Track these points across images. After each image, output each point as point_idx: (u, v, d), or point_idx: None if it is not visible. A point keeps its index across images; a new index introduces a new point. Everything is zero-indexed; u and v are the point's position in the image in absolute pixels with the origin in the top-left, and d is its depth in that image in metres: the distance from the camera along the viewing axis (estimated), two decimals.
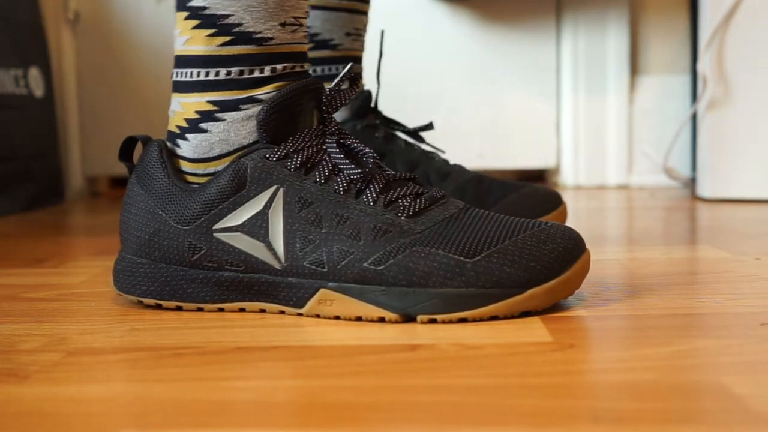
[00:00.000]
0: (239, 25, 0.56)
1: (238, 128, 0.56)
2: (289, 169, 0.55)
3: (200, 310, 0.57)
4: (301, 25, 0.58)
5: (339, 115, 0.83)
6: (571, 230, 0.56)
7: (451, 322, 0.52)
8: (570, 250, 0.54)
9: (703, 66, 1.20)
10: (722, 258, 0.74)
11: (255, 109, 0.56)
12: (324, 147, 0.56)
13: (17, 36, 1.32)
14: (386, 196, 0.55)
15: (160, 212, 0.57)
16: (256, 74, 0.56)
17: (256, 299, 0.56)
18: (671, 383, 0.41)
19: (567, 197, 1.30)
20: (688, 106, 1.43)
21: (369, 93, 0.86)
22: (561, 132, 1.51)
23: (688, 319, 0.53)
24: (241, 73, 0.56)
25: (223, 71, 0.56)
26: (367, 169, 0.55)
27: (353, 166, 0.55)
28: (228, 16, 0.56)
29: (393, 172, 0.57)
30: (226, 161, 0.57)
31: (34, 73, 1.36)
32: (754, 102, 1.18)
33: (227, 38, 0.56)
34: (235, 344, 0.50)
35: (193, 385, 0.43)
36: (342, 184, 0.55)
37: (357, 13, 0.87)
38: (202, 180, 0.57)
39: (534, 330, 0.51)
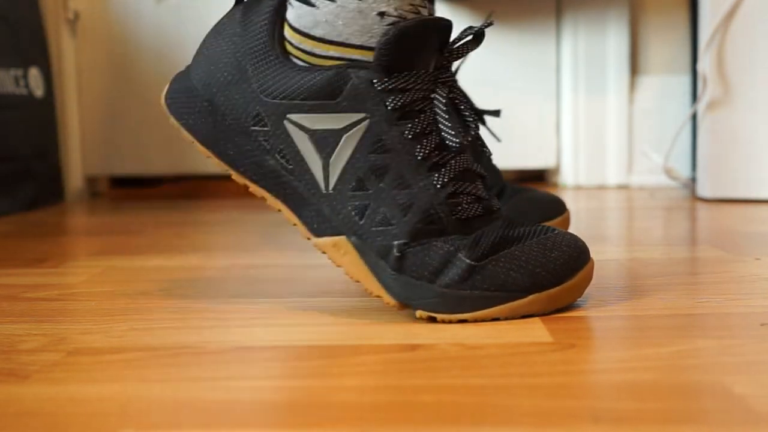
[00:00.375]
0: None
1: (347, 19, 0.53)
2: (387, 106, 0.52)
3: (228, 178, 0.56)
4: None
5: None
6: (577, 239, 0.56)
7: (450, 322, 0.52)
8: (575, 259, 0.54)
9: (703, 66, 1.20)
10: (722, 258, 0.74)
11: (370, 6, 0.52)
12: (432, 96, 0.53)
13: (17, 36, 1.32)
14: (455, 186, 0.53)
15: (249, 68, 0.54)
16: None
17: (283, 200, 0.55)
18: (671, 383, 0.41)
19: (567, 197, 1.30)
20: (688, 106, 1.43)
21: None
22: (561, 132, 1.51)
23: (688, 319, 0.53)
24: None
25: None
26: (459, 143, 0.52)
27: (452, 132, 0.52)
28: None
29: (473, 159, 0.55)
30: (329, 48, 0.53)
31: (34, 73, 1.36)
32: (754, 102, 1.18)
33: None
34: (235, 344, 0.50)
35: (193, 385, 0.43)
36: (425, 149, 0.52)
37: None
38: (302, 55, 0.54)
39: (534, 330, 0.51)
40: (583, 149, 1.49)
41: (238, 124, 0.55)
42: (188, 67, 0.58)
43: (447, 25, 0.54)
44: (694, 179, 1.33)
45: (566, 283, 0.54)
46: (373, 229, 0.52)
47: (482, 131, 0.85)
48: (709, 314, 0.54)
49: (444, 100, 0.53)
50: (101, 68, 1.52)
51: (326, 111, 0.53)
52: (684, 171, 1.42)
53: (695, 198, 1.25)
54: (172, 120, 0.57)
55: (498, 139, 0.85)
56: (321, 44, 0.54)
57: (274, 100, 0.54)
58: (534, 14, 1.48)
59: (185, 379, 0.44)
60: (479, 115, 0.85)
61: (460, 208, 0.53)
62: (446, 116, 0.53)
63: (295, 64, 0.54)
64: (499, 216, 0.55)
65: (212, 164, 0.57)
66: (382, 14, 0.53)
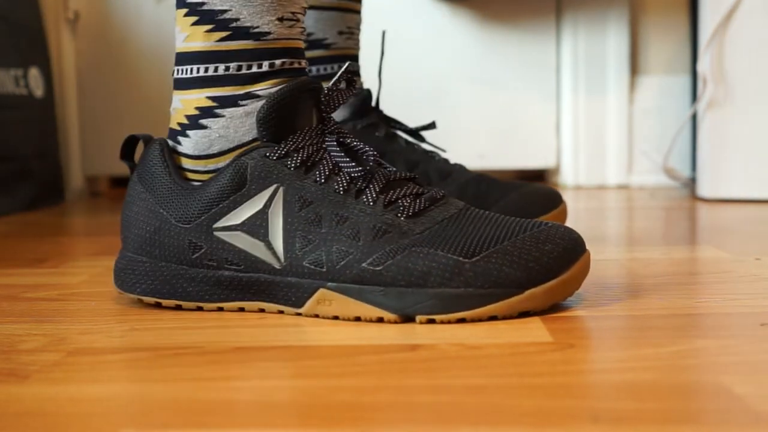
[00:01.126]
0: (237, 20, 0.56)
1: (237, 125, 0.56)
2: (289, 168, 0.55)
3: (200, 309, 0.58)
4: (298, 20, 0.58)
5: (339, 114, 0.83)
6: (571, 231, 0.56)
7: (450, 322, 0.52)
8: (570, 251, 0.54)
9: (703, 66, 1.20)
10: (722, 258, 0.74)
11: (254, 105, 0.56)
12: (324, 146, 0.56)
13: (17, 36, 1.32)
14: (386, 196, 0.54)
15: (161, 210, 0.57)
16: (255, 69, 0.56)
17: (255, 299, 0.56)
18: (671, 383, 0.41)
19: (567, 197, 1.30)
20: (688, 106, 1.43)
21: (369, 92, 0.86)
22: (561, 132, 1.51)
23: (688, 319, 0.53)
24: (239, 68, 0.56)
25: (221, 66, 0.56)
26: (368, 168, 0.55)
27: (354, 164, 0.55)
28: (226, 11, 0.56)
29: (393, 170, 0.57)
30: (226, 158, 0.57)
31: (34, 73, 1.36)
32: (754, 102, 1.18)
33: (225, 33, 0.56)
34: (235, 344, 0.50)
35: (193, 385, 0.43)
36: (342, 183, 0.55)
37: (349, 12, 0.87)
38: (204, 177, 0.58)
39: (534, 330, 0.51)
40: (583, 149, 1.49)
41: (181, 262, 0.57)
42: (121, 251, 0.60)
43: (308, 84, 0.56)
44: (694, 179, 1.33)
45: (562, 276, 0.53)
46: (338, 267, 0.53)
47: (431, 143, 0.88)
48: (709, 314, 0.54)
49: (336, 146, 0.55)
50: (101, 68, 1.52)
51: (243, 202, 0.55)
52: (684, 171, 1.42)
53: (695, 198, 1.25)
54: (130, 296, 0.59)
55: (443, 150, 0.87)
56: (219, 158, 0.57)
57: (196, 222, 0.56)
58: (534, 14, 1.48)
59: (185, 379, 0.44)
60: (414, 133, 0.87)
61: (402, 208, 0.54)
62: (344, 156, 0.55)
63: (200, 182, 0.57)
64: (447, 200, 0.56)
65: None
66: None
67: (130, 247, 0.59)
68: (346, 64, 0.58)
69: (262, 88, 0.56)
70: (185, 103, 0.58)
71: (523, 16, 1.48)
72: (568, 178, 1.50)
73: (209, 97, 0.57)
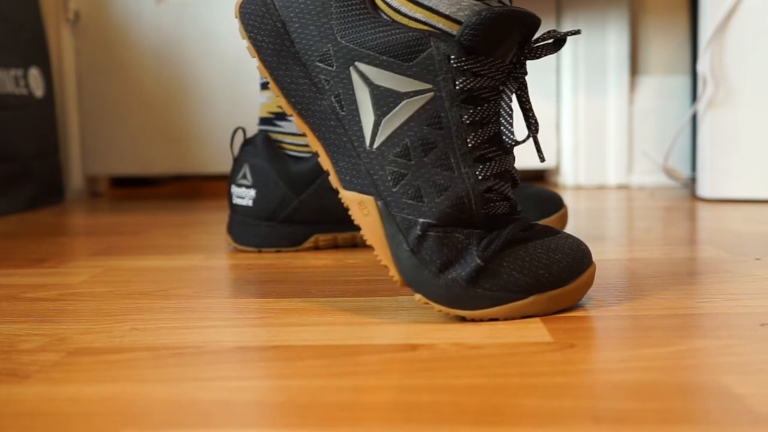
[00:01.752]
0: None
1: None
2: (456, 86, 0.52)
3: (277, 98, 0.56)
4: None
5: None
6: (580, 243, 0.56)
7: (447, 314, 0.52)
8: (578, 262, 0.54)
9: (703, 66, 1.20)
10: (722, 258, 0.74)
11: None
12: (501, 88, 0.53)
13: (17, 36, 1.32)
14: (493, 182, 0.53)
15: (332, 3, 0.54)
16: None
17: (324, 143, 0.54)
18: (671, 383, 0.41)
19: (567, 197, 1.30)
20: (688, 106, 1.43)
21: None
22: (561, 132, 1.51)
23: (688, 319, 0.53)
24: None
25: None
26: (512, 142, 0.52)
27: (508, 128, 0.52)
28: None
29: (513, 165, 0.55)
30: (416, 10, 0.53)
31: (34, 73, 1.36)
32: (754, 102, 1.18)
33: None
34: (235, 344, 0.50)
35: (193, 385, 0.43)
36: (478, 139, 0.52)
37: None
38: (387, 10, 0.54)
39: (534, 330, 0.51)
40: (583, 149, 1.49)
41: (304, 55, 0.54)
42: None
43: (535, 21, 0.53)
44: (694, 179, 1.33)
45: (568, 285, 0.54)
46: (404, 200, 0.52)
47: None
48: (709, 314, 0.54)
49: (511, 95, 0.53)
50: (101, 68, 1.52)
51: (395, 71, 0.52)
52: (684, 171, 1.42)
53: (695, 198, 1.25)
54: (242, 31, 0.56)
55: (544, 159, 0.86)
56: (410, 4, 0.53)
57: (348, 44, 0.53)
58: None
59: (185, 379, 0.44)
60: None
61: (492, 204, 0.53)
62: (509, 111, 0.53)
63: (379, 16, 0.54)
64: (521, 217, 0.55)
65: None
66: None
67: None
68: (575, 30, 0.54)
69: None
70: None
71: None
72: (568, 178, 1.50)
73: None
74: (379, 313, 0.55)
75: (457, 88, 0.52)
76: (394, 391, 0.41)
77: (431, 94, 0.52)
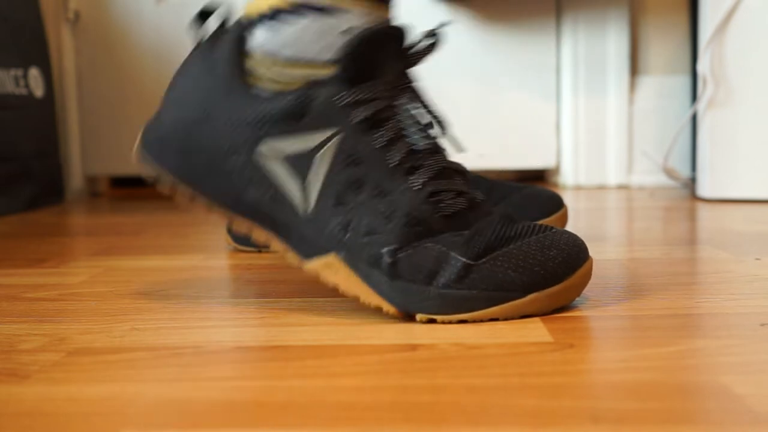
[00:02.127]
0: None
1: (314, 36, 0.54)
2: (353, 120, 0.52)
3: (210, 211, 0.56)
4: None
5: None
6: (575, 237, 0.56)
7: (450, 322, 0.52)
8: (574, 257, 0.54)
9: (703, 66, 1.20)
10: (722, 258, 0.74)
11: (337, 22, 0.53)
12: (395, 104, 0.53)
13: (17, 36, 1.32)
14: (434, 185, 0.53)
15: (215, 104, 0.54)
16: None
17: (269, 230, 0.55)
18: (671, 383, 0.41)
19: (567, 197, 1.30)
20: (688, 106, 1.43)
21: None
22: (561, 132, 1.51)
23: (688, 319, 0.53)
24: None
25: None
26: (430, 144, 0.53)
27: (415, 136, 0.53)
28: None
29: (446, 159, 0.55)
30: (295, 69, 0.54)
31: (34, 73, 1.36)
32: (754, 102, 1.18)
33: None
34: (235, 344, 0.50)
35: (193, 385, 0.43)
36: (397, 155, 0.52)
37: None
38: (265, 83, 0.55)
39: (534, 330, 0.51)
40: (583, 149, 1.49)
41: (213, 161, 0.55)
42: (157, 114, 0.58)
43: (400, 31, 0.54)
44: (694, 179, 1.33)
45: (565, 281, 0.54)
46: (360, 241, 0.52)
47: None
48: (709, 314, 0.54)
49: (408, 106, 0.53)
50: (101, 68, 1.52)
51: (295, 134, 0.53)
52: (684, 171, 1.42)
53: (695, 198, 1.25)
54: (150, 168, 0.57)
55: (462, 149, 0.87)
56: (289, 66, 0.54)
57: (244, 131, 0.54)
58: (534, 14, 1.48)
59: (185, 379, 0.44)
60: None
61: (442, 204, 0.53)
62: (411, 121, 0.53)
63: (259, 94, 0.54)
64: (490, 211, 0.55)
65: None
66: (347, 30, 0.54)
67: (169, 122, 0.56)
68: (439, 24, 0.55)
69: (347, 6, 0.54)
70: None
71: (523, 16, 1.48)
72: (568, 178, 1.50)
73: (290, 2, 0.54)
74: (379, 313, 0.55)
75: (355, 121, 0.52)
76: (394, 391, 0.41)
77: (336, 138, 0.53)
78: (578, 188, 1.48)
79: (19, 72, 1.31)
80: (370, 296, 0.53)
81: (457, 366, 0.44)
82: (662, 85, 1.48)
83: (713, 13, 1.19)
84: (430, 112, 0.55)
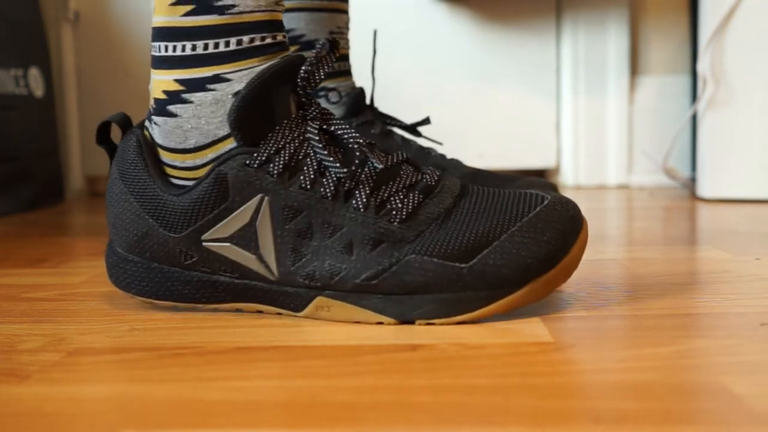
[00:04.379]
0: None
1: (208, 115, 0.52)
2: (272, 176, 0.51)
3: (195, 309, 0.57)
4: None
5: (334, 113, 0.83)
6: (567, 207, 0.53)
7: (449, 324, 0.52)
8: (568, 234, 0.52)
9: (703, 66, 1.20)
10: (722, 258, 0.74)
11: (224, 92, 0.52)
12: (306, 137, 0.52)
13: (17, 36, 1.32)
14: (377, 198, 0.52)
15: (147, 216, 0.54)
16: (222, 48, 0.52)
17: (253, 302, 0.56)
18: (671, 383, 0.41)
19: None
20: (688, 106, 1.43)
21: (362, 90, 0.86)
22: (561, 132, 1.51)
23: (688, 319, 0.53)
24: (206, 47, 0.52)
25: (188, 45, 0.52)
26: (355, 163, 0.52)
27: (338, 163, 0.51)
28: None
29: (383, 156, 0.53)
30: (203, 155, 0.53)
31: (34, 73, 1.36)
32: (754, 102, 1.18)
33: (189, 7, 0.52)
34: (235, 344, 0.50)
35: (193, 385, 0.43)
36: (329, 187, 0.51)
37: (338, 12, 0.89)
38: (182, 174, 0.54)
39: (534, 330, 0.51)
40: (583, 149, 1.49)
41: (173, 264, 0.55)
42: (109, 242, 0.58)
43: (288, 63, 0.52)
44: (694, 179, 1.33)
45: (561, 262, 0.52)
46: (333, 282, 0.52)
47: (425, 139, 0.91)
48: (709, 314, 0.54)
49: (320, 142, 0.52)
50: (101, 68, 1.52)
51: (228, 215, 0.52)
52: (684, 171, 1.42)
53: (695, 198, 1.25)
54: (127, 293, 0.58)
55: (439, 143, 0.88)
56: (196, 154, 0.54)
57: (183, 233, 0.54)
58: (534, 14, 1.48)
59: (185, 379, 0.44)
60: (411, 129, 0.87)
61: (395, 212, 0.52)
62: (328, 153, 0.51)
63: (180, 189, 0.54)
64: (442, 186, 0.54)
65: None
66: (236, 93, 0.52)
67: (120, 245, 0.56)
68: (321, 41, 0.53)
69: (231, 70, 0.52)
70: (155, 84, 0.54)
71: (523, 16, 1.48)
72: (568, 178, 1.50)
73: (177, 80, 0.53)
74: None
75: (275, 176, 0.52)
76: (394, 391, 0.41)
77: (265, 201, 0.52)
78: (578, 188, 1.48)
79: (19, 72, 1.31)
80: (368, 317, 0.53)
81: (457, 366, 0.44)
82: (662, 85, 1.48)
83: (713, 13, 1.19)
84: (341, 127, 0.53)
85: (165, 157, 0.55)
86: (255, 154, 0.52)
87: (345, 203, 0.52)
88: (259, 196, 0.52)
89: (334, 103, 0.87)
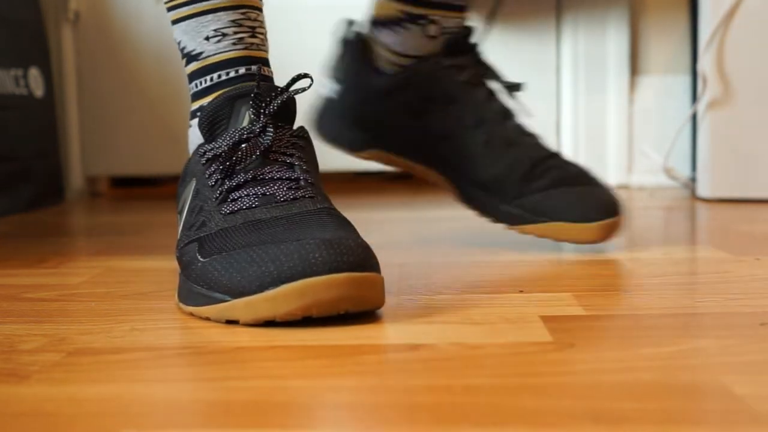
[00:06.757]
0: (184, 47, 0.65)
1: (193, 136, 0.63)
2: (201, 164, 0.60)
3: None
4: (224, 35, 0.62)
5: (434, 46, 0.79)
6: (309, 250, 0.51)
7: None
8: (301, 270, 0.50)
9: (703, 66, 1.20)
10: (722, 258, 0.74)
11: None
12: (240, 147, 0.58)
13: (17, 36, 1.32)
14: (225, 185, 0.58)
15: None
16: (202, 86, 0.64)
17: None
18: (671, 383, 0.41)
19: None
20: (688, 106, 1.43)
21: (469, 30, 0.80)
22: (561, 132, 1.51)
23: (688, 319, 0.53)
24: (196, 86, 0.64)
25: (192, 85, 0.65)
26: (241, 181, 0.57)
27: (238, 175, 0.57)
28: (179, 42, 0.65)
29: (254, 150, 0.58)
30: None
31: (34, 73, 1.36)
32: (754, 102, 1.18)
33: (185, 60, 0.65)
34: (235, 344, 0.50)
35: (193, 385, 0.43)
36: (218, 191, 0.58)
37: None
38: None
39: (534, 330, 0.51)
40: (583, 149, 1.49)
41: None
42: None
43: (245, 93, 0.59)
44: (694, 179, 1.33)
45: (265, 293, 0.51)
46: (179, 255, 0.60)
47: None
48: (709, 314, 0.54)
49: (243, 153, 0.58)
50: (101, 68, 1.52)
51: (184, 194, 0.63)
52: (684, 171, 1.42)
53: (695, 198, 1.25)
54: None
55: (530, 114, 0.87)
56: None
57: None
58: (534, 14, 1.48)
59: (185, 379, 0.44)
60: (511, 87, 0.84)
61: (239, 206, 0.57)
62: (239, 167, 0.58)
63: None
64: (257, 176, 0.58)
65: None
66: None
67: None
68: (257, 66, 0.61)
69: (207, 102, 0.62)
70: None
71: (523, 16, 1.48)
72: None
73: (191, 111, 0.65)
74: (379, 313, 0.55)
75: (203, 164, 0.59)
76: (393, 391, 0.41)
77: (193, 181, 0.61)
78: None
79: (19, 72, 1.31)
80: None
81: (457, 366, 0.44)
82: (662, 85, 1.48)
83: (713, 12, 1.19)
84: (285, 154, 0.59)
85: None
86: (206, 146, 0.61)
87: (218, 205, 0.59)
88: (194, 180, 0.61)
89: (432, 37, 0.79)
